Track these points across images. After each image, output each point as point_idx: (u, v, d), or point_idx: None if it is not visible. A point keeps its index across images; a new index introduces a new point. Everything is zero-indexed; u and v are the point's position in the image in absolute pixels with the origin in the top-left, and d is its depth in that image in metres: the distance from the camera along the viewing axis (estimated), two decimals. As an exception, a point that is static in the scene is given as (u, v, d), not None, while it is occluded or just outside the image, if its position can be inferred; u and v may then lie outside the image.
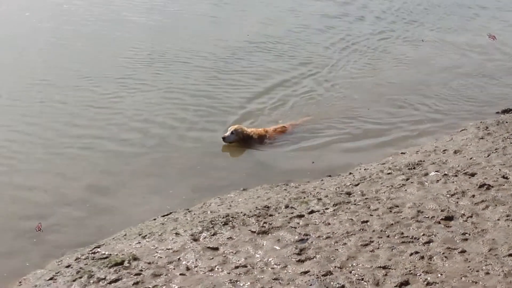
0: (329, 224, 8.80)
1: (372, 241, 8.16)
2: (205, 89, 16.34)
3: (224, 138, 13.10)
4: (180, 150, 13.02)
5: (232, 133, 13.18)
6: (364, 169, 11.63)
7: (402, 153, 12.65)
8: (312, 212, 9.25)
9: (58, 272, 8.29)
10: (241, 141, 13.27)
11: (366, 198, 9.68)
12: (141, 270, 7.80)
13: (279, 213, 9.30)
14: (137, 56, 18.69)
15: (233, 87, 16.55)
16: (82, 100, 15.32)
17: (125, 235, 9.37)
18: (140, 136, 13.55)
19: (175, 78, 17.11)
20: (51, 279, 8.15)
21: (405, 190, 9.91)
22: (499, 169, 10.42)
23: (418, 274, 7.32)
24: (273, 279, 7.33)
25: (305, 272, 7.44)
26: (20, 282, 8.48)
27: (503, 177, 10.04)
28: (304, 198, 9.95)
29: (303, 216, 9.13)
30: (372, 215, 8.98)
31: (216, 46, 19.84)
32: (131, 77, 16.84)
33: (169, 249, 8.37)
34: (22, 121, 14.02)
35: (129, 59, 18.35)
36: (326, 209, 9.33)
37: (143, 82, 16.59)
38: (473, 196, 9.42)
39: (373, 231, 8.47)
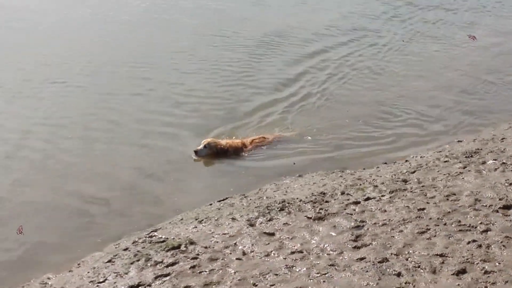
0: (385, 211, 8.77)
1: (429, 229, 8.10)
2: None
3: (196, 152, 12.29)
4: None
5: (205, 146, 12.39)
6: (421, 157, 11.55)
7: (459, 141, 12.52)
8: (368, 199, 9.24)
9: (116, 255, 8.43)
10: (215, 155, 12.45)
11: (422, 186, 9.62)
12: (198, 254, 7.88)
13: (335, 199, 9.30)
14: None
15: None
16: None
17: (181, 219, 9.48)
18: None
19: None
20: (109, 261, 8.29)
21: (463, 178, 9.80)
22: (560, 158, 10.26)
23: (475, 263, 7.25)
24: (329, 265, 7.33)
25: (361, 259, 7.44)
26: (78, 264, 8.65)
27: None
28: (360, 185, 9.93)
29: (359, 202, 9.12)
30: (428, 203, 8.91)
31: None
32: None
33: (225, 233, 8.44)
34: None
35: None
36: (382, 196, 9.30)
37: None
38: (533, 185, 9.30)
39: (430, 218, 8.41)
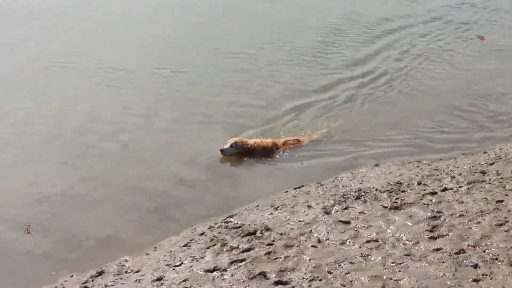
0: (462, 202, 8.66)
1: (508, 221, 7.95)
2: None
3: (222, 151, 12.07)
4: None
5: (231, 146, 12.15)
6: (499, 149, 11.34)
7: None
8: (445, 189, 9.14)
9: (192, 239, 8.57)
10: (242, 154, 12.22)
11: (501, 178, 9.45)
12: (273, 241, 7.94)
13: (411, 189, 9.24)
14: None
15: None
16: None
17: (257, 206, 9.57)
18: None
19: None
20: (185, 245, 8.43)
21: (544, 170, 9.62)
22: None
23: (555, 256, 7.11)
24: (405, 255, 7.29)
25: (437, 249, 7.36)
26: (155, 248, 8.83)
27: None
28: (437, 175, 9.83)
29: (436, 193, 9.02)
30: (507, 195, 8.75)
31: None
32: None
33: (301, 221, 8.48)
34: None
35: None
36: (460, 187, 9.19)
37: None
38: None
39: (509, 211, 8.26)
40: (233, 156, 12.11)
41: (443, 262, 7.03)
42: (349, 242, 7.74)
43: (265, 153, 12.29)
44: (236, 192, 10.68)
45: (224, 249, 7.91)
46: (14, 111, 13.90)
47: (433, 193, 9.00)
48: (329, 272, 7.05)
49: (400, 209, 8.53)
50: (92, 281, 7.98)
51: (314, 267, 7.19)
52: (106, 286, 7.66)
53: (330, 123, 13.35)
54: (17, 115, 13.70)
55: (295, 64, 16.59)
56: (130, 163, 11.76)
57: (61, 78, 15.76)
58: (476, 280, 6.66)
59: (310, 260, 7.36)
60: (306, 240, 7.89)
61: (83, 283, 7.88)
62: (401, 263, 7.10)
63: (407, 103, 14.46)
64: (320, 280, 6.93)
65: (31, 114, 13.78)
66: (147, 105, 14.19)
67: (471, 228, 7.84)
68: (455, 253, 7.21)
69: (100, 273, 8.17)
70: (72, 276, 8.25)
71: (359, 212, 8.54)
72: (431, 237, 7.68)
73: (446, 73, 16.10)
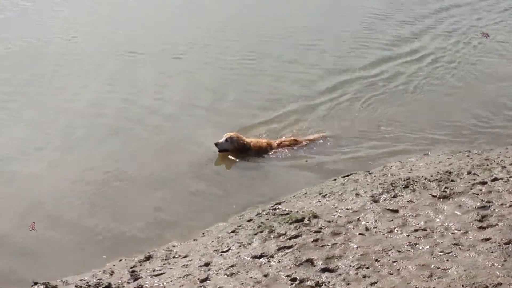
0: (513, 192, 8.57)
1: (558, 212, 7.87)
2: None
3: (217, 144, 11.68)
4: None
5: (226, 140, 11.74)
6: (553, 140, 11.19)
7: None
8: (495, 179, 9.01)
9: (239, 226, 8.63)
10: (236, 151, 11.80)
11: (553, 168, 9.33)
12: (321, 228, 7.94)
13: (461, 179, 9.14)
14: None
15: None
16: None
17: (305, 193, 9.58)
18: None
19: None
20: (233, 231, 8.50)
21: None
22: None
23: None
24: (453, 244, 7.23)
25: (487, 239, 7.29)
26: (203, 234, 8.92)
27: None
28: (487, 165, 9.71)
29: (485, 183, 8.92)
30: (560, 185, 8.64)
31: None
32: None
33: (348, 209, 8.47)
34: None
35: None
36: (510, 177, 9.06)
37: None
38: None
39: (559, 201, 8.16)
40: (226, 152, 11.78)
41: (492, 252, 6.96)
42: (397, 230, 7.71)
43: (259, 153, 11.90)
44: (282, 181, 10.77)
45: (272, 236, 7.94)
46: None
47: (483, 183, 8.90)
48: (376, 260, 7.04)
49: (449, 199, 8.45)
50: (140, 265, 8.08)
51: (361, 255, 7.19)
52: (154, 270, 7.74)
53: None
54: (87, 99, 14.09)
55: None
56: (187, 149, 11.96)
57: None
58: (525, 271, 6.59)
59: (357, 248, 7.36)
60: (353, 228, 7.88)
61: (131, 267, 7.97)
62: (449, 253, 7.05)
63: (458, 91, 14.34)
64: (367, 268, 6.92)
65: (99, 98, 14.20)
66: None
67: (521, 218, 7.75)
68: (505, 243, 7.13)
69: (148, 258, 8.27)
70: (120, 260, 8.36)
71: (408, 201, 8.49)
72: (480, 227, 7.61)
73: (499, 63, 15.88)
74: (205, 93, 14.38)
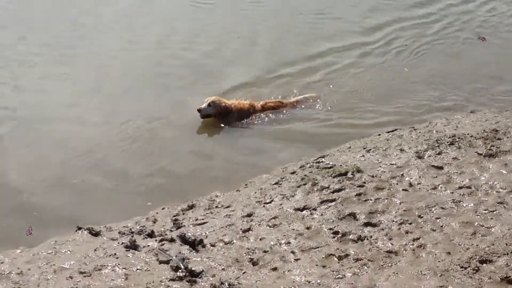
0: (560, 152, 8.44)
1: None
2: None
3: (200, 110, 11.24)
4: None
5: (209, 105, 11.27)
6: None
7: None
8: (543, 138, 8.90)
9: (283, 178, 8.65)
10: (219, 115, 11.35)
11: None
12: (364, 183, 7.92)
13: (507, 137, 9.00)
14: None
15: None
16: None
17: (349, 147, 9.56)
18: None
19: None
20: (276, 183, 8.53)
21: None
22: None
23: None
24: (498, 203, 7.16)
25: (532, 199, 7.24)
26: (246, 185, 8.98)
27: None
28: (536, 123, 9.57)
29: (533, 141, 8.82)
30: None
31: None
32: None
33: (392, 164, 8.42)
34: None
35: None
36: (559, 137, 8.94)
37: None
38: None
39: None
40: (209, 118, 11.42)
41: (538, 212, 6.90)
42: (441, 187, 7.67)
43: (241, 116, 11.47)
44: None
45: (315, 189, 7.95)
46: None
47: (531, 142, 8.79)
48: (420, 216, 7.02)
49: (495, 157, 8.36)
50: (183, 214, 8.18)
51: (404, 210, 7.17)
52: (196, 219, 7.82)
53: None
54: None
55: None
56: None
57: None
58: None
59: (400, 203, 7.34)
60: (397, 184, 7.84)
61: (174, 216, 8.07)
62: (493, 211, 7.00)
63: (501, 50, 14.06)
64: (410, 223, 6.91)
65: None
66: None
67: None
68: (551, 203, 7.06)
69: (191, 207, 8.36)
70: (163, 208, 8.48)
71: (453, 158, 8.41)
72: (526, 186, 7.53)
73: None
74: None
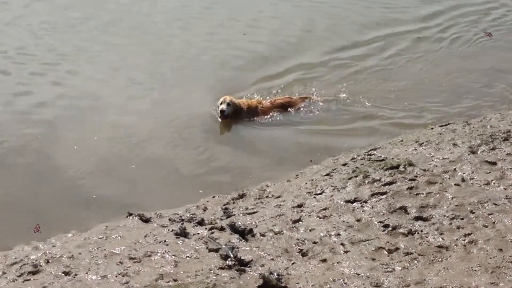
0: None
1: None
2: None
3: (223, 112, 10.90)
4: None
5: (228, 104, 10.96)
6: None
7: None
8: None
9: (334, 169, 8.65)
10: (232, 114, 11.05)
11: None
12: (416, 176, 7.86)
13: None
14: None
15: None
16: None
17: (401, 140, 9.49)
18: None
19: None
20: (327, 175, 8.53)
21: None
22: None
23: None
24: (552, 200, 7.08)
25: None
26: (297, 175, 8.97)
27: None
28: None
29: None
30: None
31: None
32: None
33: (445, 158, 8.33)
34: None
35: None
36: None
37: None
38: None
39: None
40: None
41: None
42: (494, 183, 7.57)
43: (250, 113, 11.22)
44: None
45: (366, 181, 7.93)
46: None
47: None
48: (472, 212, 6.95)
49: (551, 154, 8.24)
50: (234, 203, 8.22)
51: (456, 205, 7.11)
52: (246, 209, 7.86)
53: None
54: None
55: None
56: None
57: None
58: None
59: (452, 198, 7.27)
60: (449, 178, 7.76)
61: (225, 204, 8.12)
62: (548, 208, 6.90)
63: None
64: (462, 219, 6.85)
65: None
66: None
67: None
68: None
69: (242, 196, 8.40)
70: (214, 197, 8.52)
71: (507, 154, 8.30)
72: None
73: None
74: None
